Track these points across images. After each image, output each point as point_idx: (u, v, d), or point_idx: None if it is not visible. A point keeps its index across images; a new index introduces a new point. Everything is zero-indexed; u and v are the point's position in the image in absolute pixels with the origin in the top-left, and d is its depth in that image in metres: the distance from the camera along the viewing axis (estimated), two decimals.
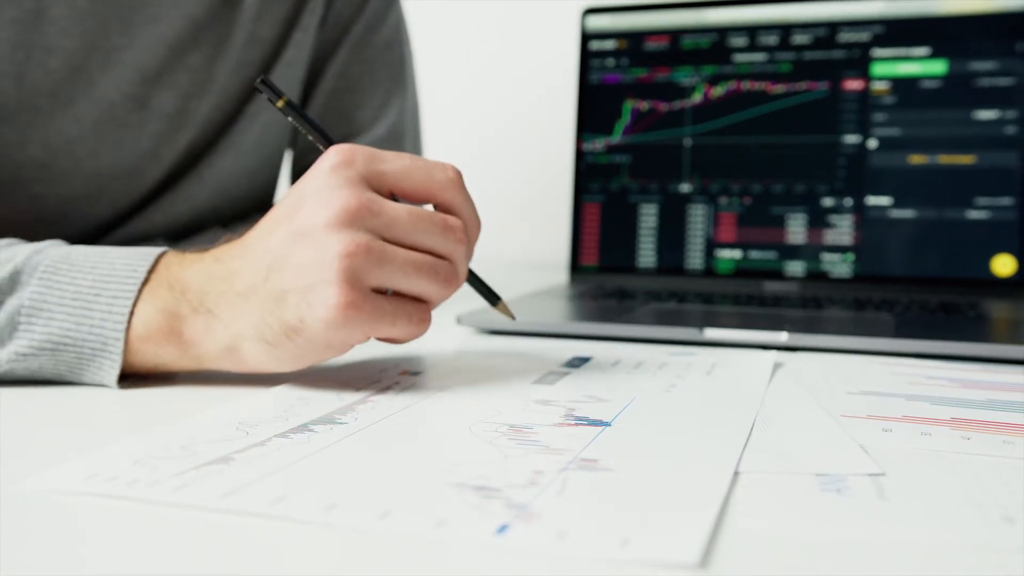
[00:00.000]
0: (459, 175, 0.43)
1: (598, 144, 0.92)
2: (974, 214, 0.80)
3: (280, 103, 0.45)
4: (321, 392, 0.42)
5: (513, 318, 0.49)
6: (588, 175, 0.92)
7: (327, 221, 0.39)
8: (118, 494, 0.28)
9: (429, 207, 0.44)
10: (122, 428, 0.37)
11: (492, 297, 0.48)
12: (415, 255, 0.41)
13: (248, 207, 0.74)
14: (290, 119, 0.46)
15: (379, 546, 0.24)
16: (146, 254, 0.43)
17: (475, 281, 0.48)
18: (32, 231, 0.63)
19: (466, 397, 0.41)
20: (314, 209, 0.40)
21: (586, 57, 0.93)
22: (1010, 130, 0.80)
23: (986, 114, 0.80)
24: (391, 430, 0.36)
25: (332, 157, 0.41)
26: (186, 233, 0.69)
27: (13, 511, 0.27)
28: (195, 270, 0.42)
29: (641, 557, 0.23)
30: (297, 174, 0.77)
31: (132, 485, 0.28)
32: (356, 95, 0.75)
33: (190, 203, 0.69)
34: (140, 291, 0.42)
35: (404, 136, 0.77)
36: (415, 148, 0.80)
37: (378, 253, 0.40)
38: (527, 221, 1.30)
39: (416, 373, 0.47)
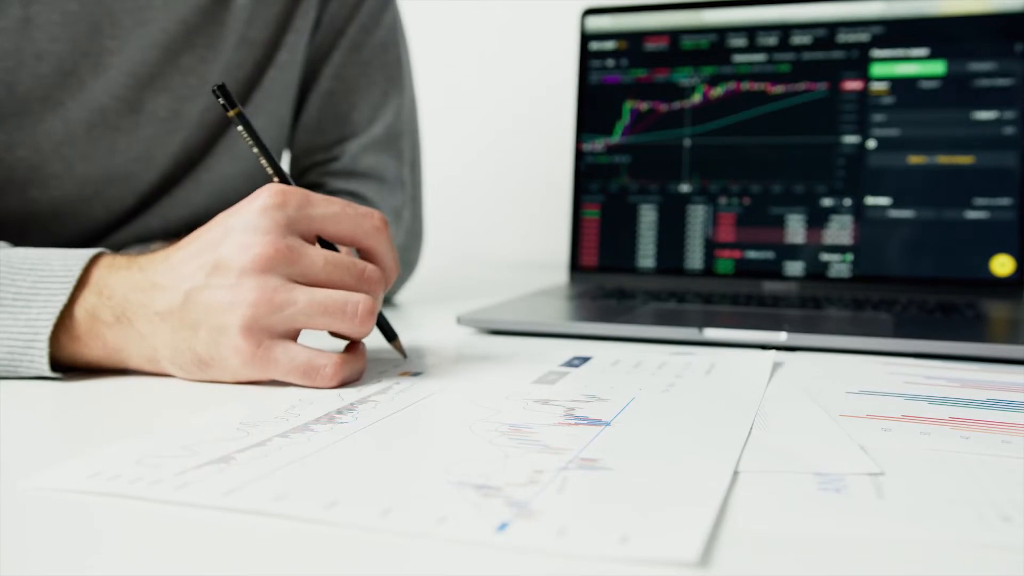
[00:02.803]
0: (384, 223, 0.46)
1: (598, 144, 0.92)
2: (972, 214, 0.80)
3: (232, 113, 0.46)
4: (322, 392, 0.42)
5: (405, 357, 0.51)
6: (588, 175, 0.92)
7: (243, 265, 0.41)
8: (120, 493, 0.28)
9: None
10: (123, 428, 0.37)
11: (390, 334, 0.50)
12: (321, 296, 0.42)
13: None
14: (239, 129, 0.47)
15: (380, 543, 0.24)
16: (82, 255, 0.45)
17: (380, 320, 0.50)
18: (28, 233, 0.63)
19: (466, 397, 0.41)
20: (236, 248, 0.42)
21: (586, 58, 0.93)
22: (1008, 130, 0.80)
23: (985, 114, 0.80)
24: (392, 429, 0.36)
25: (266, 197, 0.43)
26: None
27: (15, 510, 0.27)
28: (120, 277, 0.44)
29: (640, 555, 0.23)
30: (296, 175, 0.77)
31: (134, 484, 0.28)
32: (352, 96, 0.75)
33: (188, 207, 0.69)
34: (74, 291, 0.43)
35: (401, 136, 0.77)
36: (413, 148, 0.80)
37: (281, 300, 0.41)
38: (527, 221, 1.30)
39: (416, 373, 0.47)
